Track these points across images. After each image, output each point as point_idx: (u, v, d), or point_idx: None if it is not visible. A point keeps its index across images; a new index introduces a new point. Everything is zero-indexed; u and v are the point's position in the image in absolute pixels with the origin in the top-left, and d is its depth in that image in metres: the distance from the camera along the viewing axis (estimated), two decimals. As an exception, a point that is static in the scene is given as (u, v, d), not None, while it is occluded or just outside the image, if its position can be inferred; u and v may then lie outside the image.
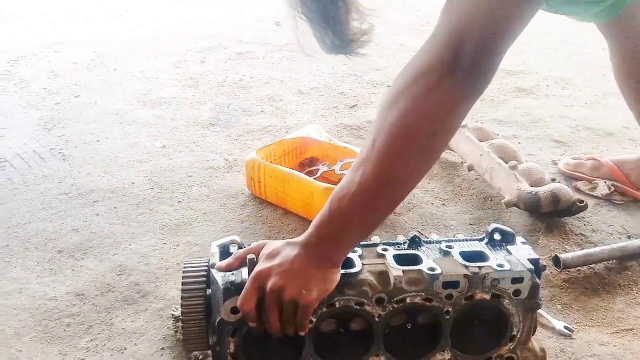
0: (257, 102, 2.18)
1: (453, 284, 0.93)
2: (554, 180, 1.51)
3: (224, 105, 2.15)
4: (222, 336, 0.93)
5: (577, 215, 1.47)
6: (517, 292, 0.95)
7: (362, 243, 0.99)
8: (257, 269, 0.89)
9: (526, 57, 2.52)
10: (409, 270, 0.93)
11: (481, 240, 1.04)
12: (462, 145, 1.67)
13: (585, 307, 1.24)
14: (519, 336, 0.98)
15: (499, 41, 0.84)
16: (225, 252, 0.98)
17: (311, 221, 0.92)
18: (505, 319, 0.97)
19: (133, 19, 3.10)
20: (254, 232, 1.45)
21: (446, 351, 0.97)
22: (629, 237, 1.44)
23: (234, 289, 0.90)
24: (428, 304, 0.94)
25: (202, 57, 2.59)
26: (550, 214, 1.46)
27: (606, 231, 1.47)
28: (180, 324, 1.07)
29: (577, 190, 1.62)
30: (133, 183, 1.65)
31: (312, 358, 0.95)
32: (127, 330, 1.16)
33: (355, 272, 0.93)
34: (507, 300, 0.96)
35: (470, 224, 1.50)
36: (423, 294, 0.93)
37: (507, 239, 1.03)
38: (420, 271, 0.93)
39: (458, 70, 0.82)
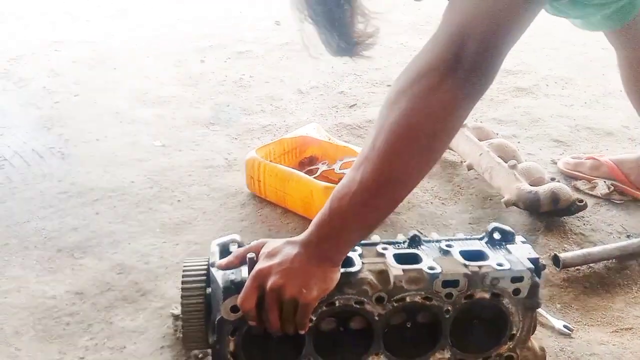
0: (257, 101, 2.18)
1: (453, 283, 0.94)
2: (553, 179, 1.52)
3: (223, 104, 2.15)
4: (222, 335, 0.93)
5: (576, 215, 1.47)
6: (516, 291, 0.95)
7: (361, 242, 0.99)
8: (257, 267, 0.89)
9: (526, 57, 2.52)
10: (409, 269, 0.94)
11: (481, 239, 1.04)
12: (462, 144, 1.67)
13: (584, 306, 1.24)
14: (518, 335, 0.98)
15: (500, 41, 0.84)
16: (225, 251, 0.99)
17: (311, 220, 0.92)
18: (504, 318, 0.97)
19: (133, 19, 3.09)
20: (253, 230, 1.45)
21: (445, 350, 0.97)
22: (628, 236, 1.44)
23: (234, 287, 0.90)
24: (428, 302, 0.94)
25: (201, 56, 2.58)
26: (549, 213, 1.46)
27: (605, 230, 1.47)
28: (179, 322, 1.07)
29: (576, 189, 1.62)
30: (132, 182, 1.65)
31: (311, 357, 0.95)
32: (126, 329, 1.15)
33: (355, 271, 0.93)
34: (506, 299, 0.96)
35: (469, 223, 1.50)
36: (423, 293, 0.93)
37: (507, 237, 1.03)
38: (420, 270, 0.94)
39: (459, 70, 0.82)
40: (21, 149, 1.80)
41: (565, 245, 1.41)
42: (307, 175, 1.50)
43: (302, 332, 0.91)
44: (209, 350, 1.01)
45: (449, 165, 1.74)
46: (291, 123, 1.99)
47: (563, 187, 1.46)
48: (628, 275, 1.32)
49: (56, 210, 1.52)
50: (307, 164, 1.68)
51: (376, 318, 0.94)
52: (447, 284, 0.93)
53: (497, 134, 1.79)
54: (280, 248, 0.91)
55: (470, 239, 1.04)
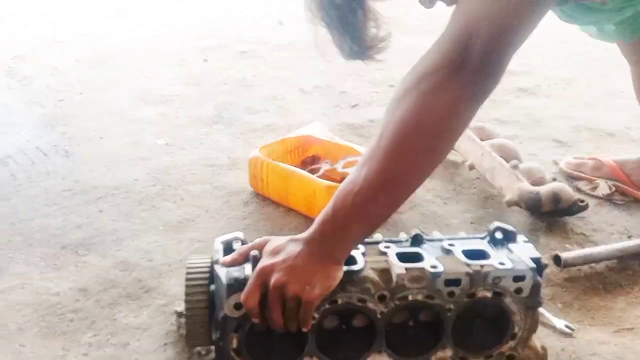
0: (260, 100, 2.18)
1: (455, 282, 0.94)
2: (554, 179, 1.52)
3: (226, 103, 2.16)
4: (225, 332, 0.93)
5: (577, 215, 1.47)
6: (518, 290, 0.96)
7: (364, 240, 0.99)
8: (261, 264, 0.90)
9: (527, 57, 2.52)
10: (411, 268, 0.94)
11: (483, 238, 1.04)
12: (463, 144, 1.67)
13: (585, 306, 1.24)
14: (520, 334, 0.99)
15: (507, 43, 0.84)
16: (228, 249, 0.99)
17: (313, 219, 0.92)
18: (506, 317, 0.97)
19: (133, 19, 3.10)
20: (256, 229, 1.45)
21: (447, 348, 0.98)
22: (629, 237, 1.44)
23: (237, 284, 0.91)
24: (430, 301, 0.94)
25: (204, 56, 2.59)
26: (550, 213, 1.46)
27: (607, 231, 1.47)
28: (183, 319, 1.08)
29: (578, 189, 1.62)
30: (136, 180, 1.65)
31: (314, 354, 0.95)
32: (130, 326, 1.16)
33: (358, 269, 0.94)
34: (508, 298, 0.96)
35: (471, 223, 1.50)
36: (425, 291, 0.94)
37: (509, 237, 1.03)
38: (422, 269, 0.94)
39: (465, 70, 0.83)
40: (25, 146, 1.81)
41: (567, 245, 1.41)
42: (309, 174, 1.51)
43: (305, 330, 0.91)
44: (212, 347, 1.01)
45: (451, 165, 1.74)
46: (294, 122, 1.99)
47: (564, 188, 1.46)
48: (629, 275, 1.32)
49: (60, 207, 1.53)
50: (309, 163, 1.68)
51: (378, 316, 0.94)
52: (449, 282, 0.94)
53: (499, 134, 1.79)
54: (283, 246, 0.91)
55: (472, 238, 1.04)
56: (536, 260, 0.97)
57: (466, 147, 1.66)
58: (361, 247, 0.98)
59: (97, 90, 2.24)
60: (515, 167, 1.51)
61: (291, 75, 2.40)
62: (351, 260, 0.94)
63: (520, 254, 0.99)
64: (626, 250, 1.34)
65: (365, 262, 0.95)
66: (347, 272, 0.92)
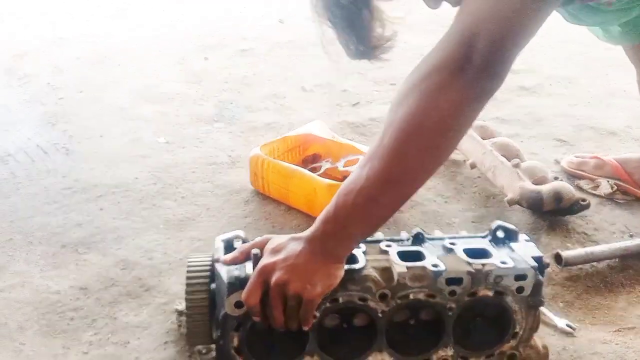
0: (260, 98, 2.18)
1: (456, 281, 0.94)
2: (556, 178, 1.52)
3: (227, 101, 2.15)
4: (226, 330, 0.93)
5: (579, 214, 1.47)
6: (520, 289, 0.95)
7: (365, 239, 0.99)
8: (262, 263, 0.90)
9: (529, 56, 2.52)
10: (413, 267, 0.94)
11: (484, 237, 1.04)
12: (465, 142, 1.67)
13: (586, 305, 1.24)
14: (521, 333, 0.98)
15: (511, 43, 0.84)
16: (229, 247, 0.99)
17: (314, 217, 0.92)
18: (507, 316, 0.97)
19: (133, 19, 3.09)
20: (257, 227, 1.45)
21: (449, 347, 0.98)
22: (631, 236, 1.44)
23: (238, 283, 0.91)
24: (431, 300, 0.94)
25: (204, 54, 2.59)
26: (552, 212, 1.46)
27: (608, 230, 1.47)
28: (183, 318, 1.08)
29: (580, 188, 1.62)
30: (136, 178, 1.65)
31: (315, 353, 0.95)
32: (130, 324, 1.16)
33: (359, 268, 0.93)
34: (509, 297, 0.96)
35: (472, 222, 1.50)
36: (426, 290, 0.94)
37: (510, 236, 1.03)
38: (423, 267, 0.94)
39: (469, 70, 0.83)
40: (25, 144, 1.81)
41: (568, 244, 1.41)
42: (310, 173, 1.50)
43: (306, 328, 0.91)
44: (213, 346, 1.01)
45: (452, 163, 1.74)
46: (295, 121, 1.99)
47: (566, 186, 1.46)
48: (631, 274, 1.32)
49: (60, 206, 1.52)
50: (310, 161, 1.68)
51: (380, 315, 0.94)
52: (450, 281, 0.93)
53: (501, 133, 1.79)
54: (284, 244, 0.91)
55: (473, 237, 1.04)
56: (538, 259, 0.97)
57: (468, 145, 1.66)
58: (362, 246, 0.98)
59: (97, 88, 2.23)
60: (516, 166, 1.51)
61: (292, 74, 2.40)
62: (352, 259, 0.94)
63: (522, 253, 0.98)
64: (628, 250, 1.34)
65: (367, 260, 0.95)
66: (348, 271, 0.92)
